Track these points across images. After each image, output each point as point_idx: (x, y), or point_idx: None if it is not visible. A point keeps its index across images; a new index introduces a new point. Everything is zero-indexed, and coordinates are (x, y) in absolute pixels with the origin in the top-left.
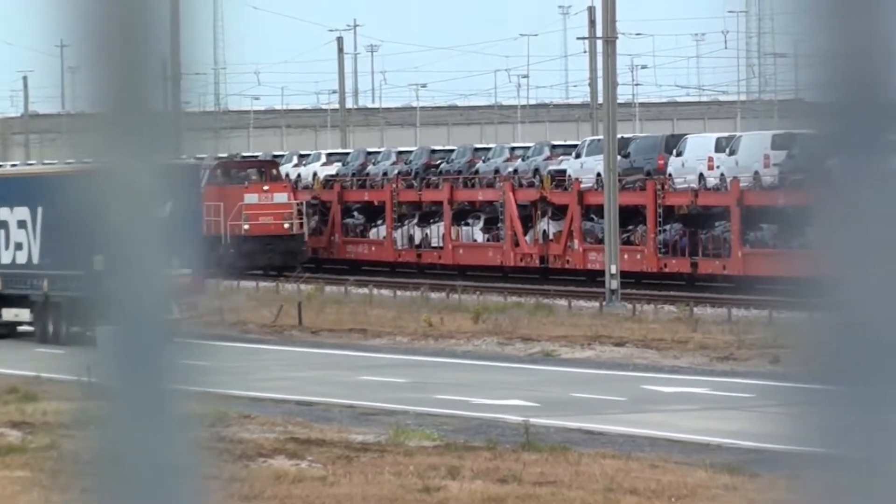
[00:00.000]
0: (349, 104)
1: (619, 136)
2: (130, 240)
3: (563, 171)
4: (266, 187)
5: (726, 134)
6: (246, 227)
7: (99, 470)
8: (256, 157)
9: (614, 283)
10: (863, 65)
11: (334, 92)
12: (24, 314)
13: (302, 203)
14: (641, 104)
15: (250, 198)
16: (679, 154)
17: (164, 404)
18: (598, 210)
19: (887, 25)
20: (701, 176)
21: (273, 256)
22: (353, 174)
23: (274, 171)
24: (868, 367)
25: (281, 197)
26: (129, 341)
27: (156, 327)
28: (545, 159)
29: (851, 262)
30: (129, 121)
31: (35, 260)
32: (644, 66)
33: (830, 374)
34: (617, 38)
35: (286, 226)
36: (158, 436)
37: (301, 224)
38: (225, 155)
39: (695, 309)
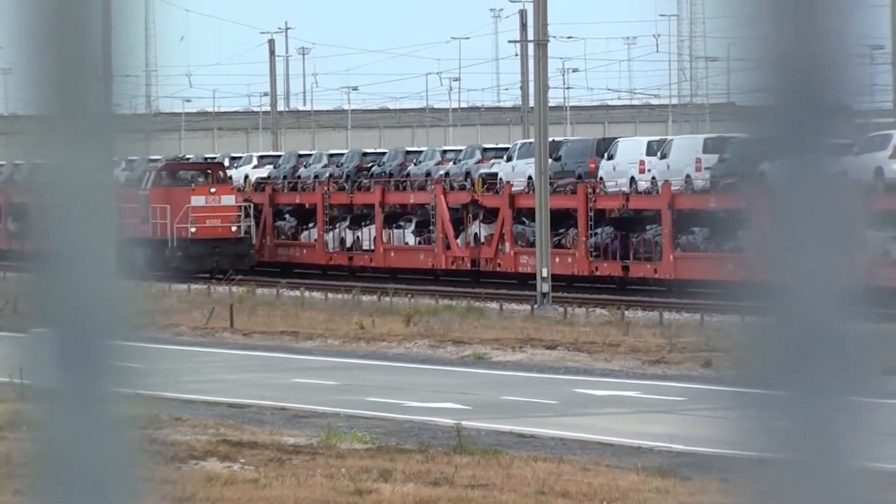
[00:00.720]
0: (281, 107)
1: (550, 139)
2: (67, 241)
3: (495, 175)
4: (213, 189)
5: (658, 137)
6: (193, 229)
7: (34, 472)
8: (207, 159)
9: (546, 287)
10: (797, 68)
11: (266, 94)
12: None
13: (250, 205)
14: (573, 107)
15: (197, 200)
16: (610, 157)
17: (99, 406)
18: (530, 213)
19: (821, 28)
20: (632, 179)
21: (220, 260)
22: (285, 177)
23: (220, 174)
24: (801, 370)
25: (228, 199)
26: (64, 343)
27: (91, 329)
28: (476, 162)
29: (784, 266)
30: (64, 123)
31: None
32: (575, 70)
33: (763, 378)
34: (548, 41)
35: (233, 228)
36: (93, 438)
37: (248, 227)
38: (166, 157)
39: (626, 312)
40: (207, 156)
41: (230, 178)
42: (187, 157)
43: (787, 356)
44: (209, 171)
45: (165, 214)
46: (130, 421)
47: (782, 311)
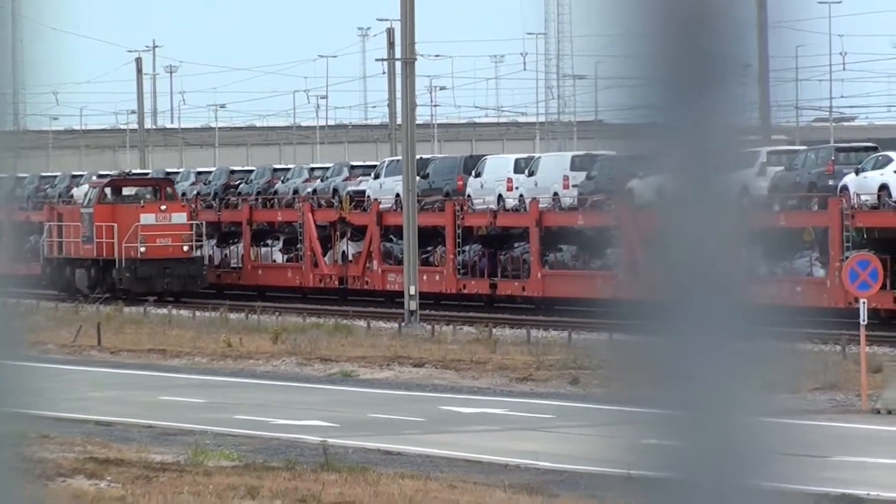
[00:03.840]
0: (148, 124)
1: (417, 156)
2: None
3: (363, 192)
4: (163, 207)
5: (525, 155)
6: (142, 249)
7: None
8: (168, 173)
9: (413, 304)
10: (677, 86)
11: (133, 112)
12: None
13: (202, 224)
14: (440, 125)
15: (147, 218)
16: (478, 175)
17: None
18: (398, 231)
19: (699, 47)
20: (500, 197)
21: (171, 281)
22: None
23: (169, 190)
24: (671, 387)
25: (179, 217)
26: None
27: None
28: (344, 180)
29: (655, 283)
30: None
31: None
32: (443, 88)
33: (633, 396)
34: (416, 59)
35: (185, 248)
36: None
37: (200, 246)
38: (115, 172)
39: (494, 330)
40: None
41: (183, 194)
42: (133, 172)
43: (655, 374)
44: (157, 188)
45: (112, 233)
46: (1, 439)
47: (651, 330)
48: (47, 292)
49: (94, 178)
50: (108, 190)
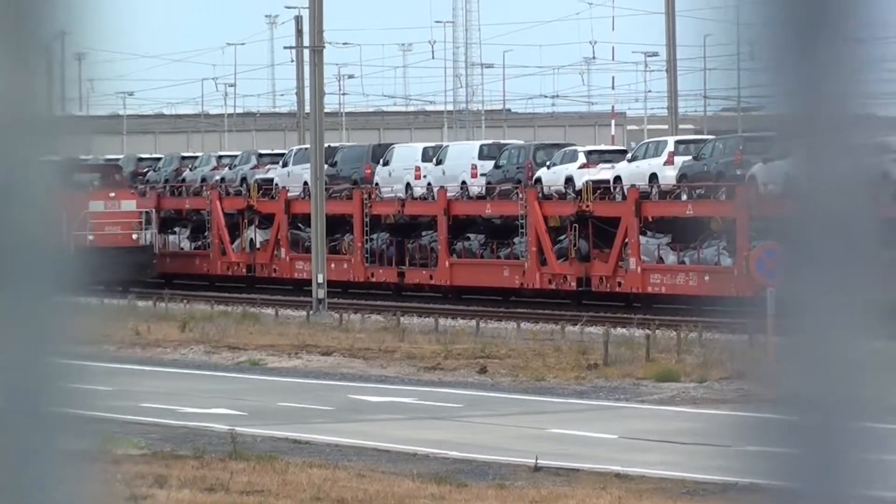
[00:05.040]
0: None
1: (326, 145)
2: None
3: (271, 180)
4: (112, 194)
5: (433, 144)
6: (91, 237)
7: None
8: (108, 160)
9: (321, 293)
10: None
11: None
12: None
13: (151, 211)
14: (348, 113)
15: (95, 205)
16: (386, 163)
17: None
18: (306, 219)
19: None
20: (408, 185)
21: (120, 270)
22: None
23: (117, 177)
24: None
25: (129, 204)
26: None
27: None
28: (252, 168)
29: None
30: None
31: None
32: (351, 76)
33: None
34: (324, 47)
35: (134, 236)
36: None
37: (150, 234)
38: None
39: (402, 318)
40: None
41: (142, 180)
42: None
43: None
44: (105, 174)
45: (61, 220)
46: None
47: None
48: None
49: None
50: None
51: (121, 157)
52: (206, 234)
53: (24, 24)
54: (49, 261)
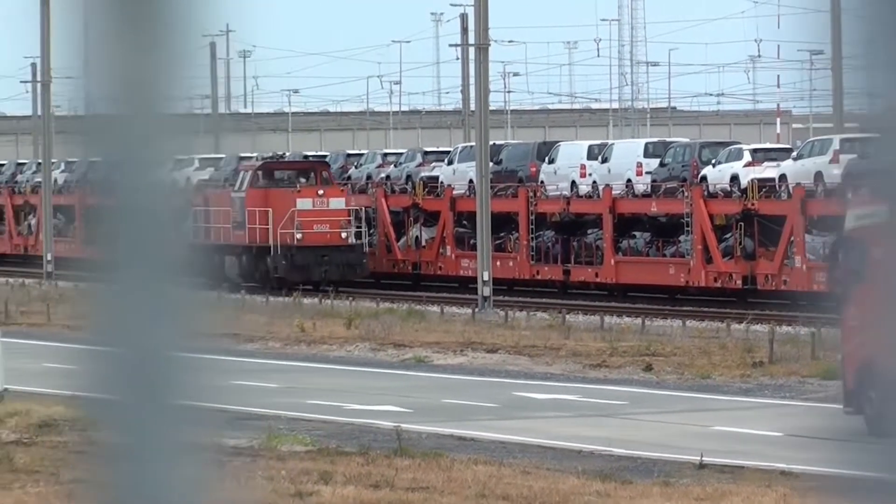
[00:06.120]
0: (222, 109)
1: (491, 142)
2: (126, 246)
3: (436, 178)
4: (321, 191)
5: (598, 141)
6: (299, 236)
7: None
8: (307, 157)
9: (486, 290)
10: None
11: (207, 97)
12: None
13: (360, 209)
14: (513, 111)
15: (303, 203)
16: (551, 161)
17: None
18: (471, 217)
19: None
20: (573, 183)
21: (329, 270)
22: (226, 179)
23: (325, 174)
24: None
25: (338, 202)
26: (124, 355)
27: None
28: (417, 166)
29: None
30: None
31: None
32: (516, 74)
33: None
34: (489, 45)
35: (343, 235)
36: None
37: (359, 233)
38: (262, 155)
39: (567, 316)
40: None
41: (349, 178)
42: (284, 154)
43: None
44: (312, 171)
45: (267, 219)
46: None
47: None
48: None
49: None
50: (260, 173)
51: (327, 154)
52: (371, 231)
53: (189, 20)
54: (177, 254)
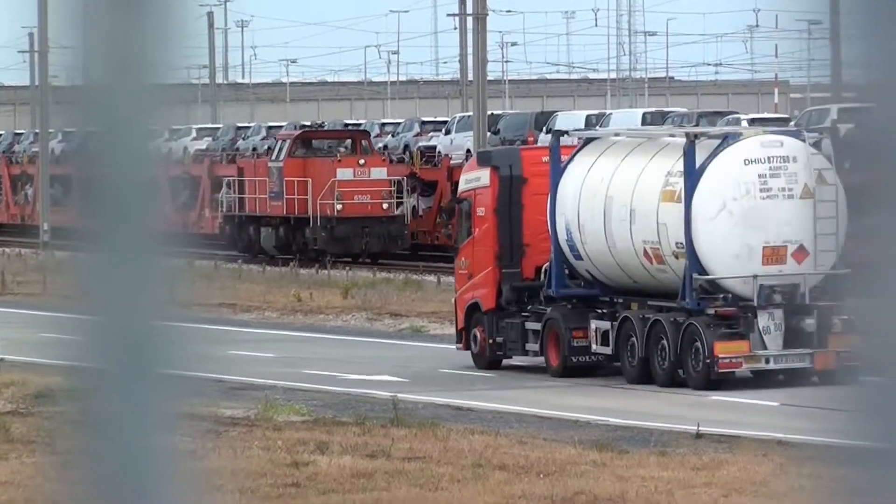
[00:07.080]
0: (219, 79)
1: (488, 112)
2: (109, 216)
3: (433, 148)
4: (362, 161)
5: (596, 111)
6: (339, 207)
7: (71, 446)
8: (347, 126)
9: None
10: None
11: (204, 67)
12: None
13: (403, 179)
14: (511, 81)
15: (344, 173)
16: (549, 131)
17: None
18: None
19: None
20: None
21: (370, 241)
22: (223, 149)
23: (364, 143)
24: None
25: (379, 172)
26: (106, 323)
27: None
28: (415, 135)
29: None
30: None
31: None
32: (514, 44)
33: None
34: (487, 14)
35: (385, 206)
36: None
37: (400, 204)
38: (299, 124)
39: None
40: (349, 122)
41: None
42: (323, 124)
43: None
44: (353, 140)
45: (306, 189)
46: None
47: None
48: (226, 252)
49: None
50: (298, 142)
51: (363, 122)
52: None
53: None
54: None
